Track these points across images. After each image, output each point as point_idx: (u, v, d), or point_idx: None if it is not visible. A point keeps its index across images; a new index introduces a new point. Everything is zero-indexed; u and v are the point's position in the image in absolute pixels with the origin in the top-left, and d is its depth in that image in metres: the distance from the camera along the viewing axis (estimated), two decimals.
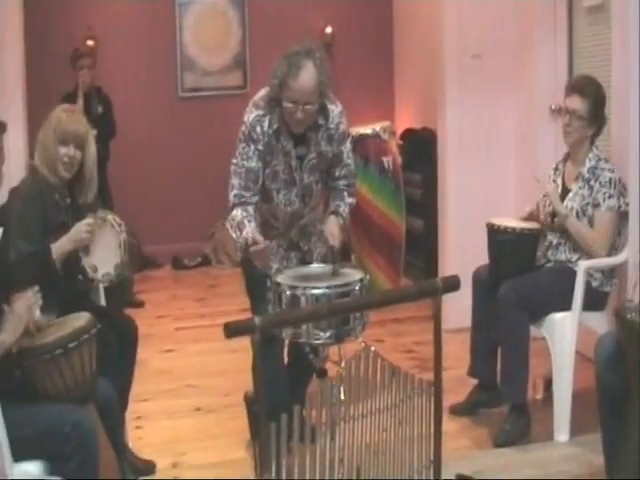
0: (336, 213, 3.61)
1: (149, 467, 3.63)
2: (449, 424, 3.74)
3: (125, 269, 3.58)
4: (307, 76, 3.32)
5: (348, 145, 3.64)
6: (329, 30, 7.92)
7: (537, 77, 5.19)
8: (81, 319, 2.96)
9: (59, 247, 3.39)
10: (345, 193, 3.67)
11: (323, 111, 3.50)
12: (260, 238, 3.24)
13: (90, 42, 7.41)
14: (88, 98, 6.40)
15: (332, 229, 3.53)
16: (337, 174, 3.65)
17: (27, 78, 5.45)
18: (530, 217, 4.08)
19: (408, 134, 7.06)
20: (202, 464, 3.72)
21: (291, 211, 3.59)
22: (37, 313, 2.83)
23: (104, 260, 3.48)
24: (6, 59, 5.19)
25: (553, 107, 5.03)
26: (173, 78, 7.85)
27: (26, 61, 5.43)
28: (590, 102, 3.88)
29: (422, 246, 6.40)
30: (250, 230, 3.28)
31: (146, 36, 7.72)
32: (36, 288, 2.82)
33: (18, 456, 2.62)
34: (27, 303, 2.77)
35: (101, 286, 3.79)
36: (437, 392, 2.68)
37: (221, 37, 7.92)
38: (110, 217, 3.50)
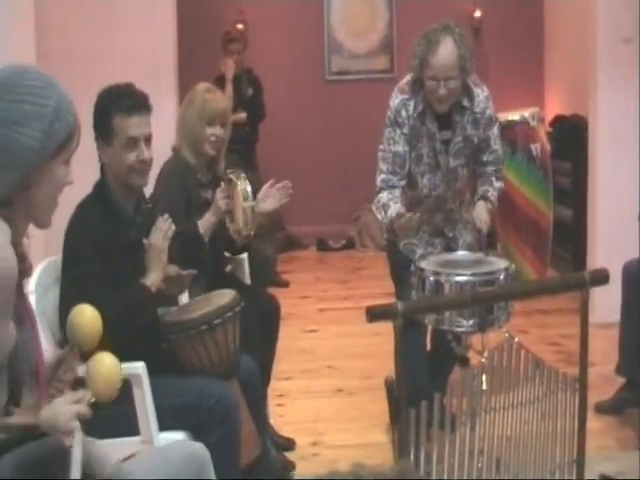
0: (485, 198, 3.57)
1: (289, 444, 3.70)
2: (593, 422, 3.62)
3: (258, 216, 3.62)
4: (446, 50, 3.31)
5: (495, 130, 3.60)
6: (478, 14, 7.79)
7: None
8: (226, 296, 3.03)
9: (204, 222, 3.48)
10: (493, 178, 3.63)
11: (467, 93, 3.47)
12: (405, 212, 3.23)
13: (240, 25, 7.56)
14: (238, 80, 6.51)
15: (480, 213, 3.50)
16: (484, 159, 3.61)
17: (179, 61, 5.59)
18: None
19: (558, 121, 6.87)
20: (341, 445, 3.76)
21: (435, 195, 3.57)
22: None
23: (240, 221, 3.57)
24: (159, 42, 5.34)
25: None
26: (320, 61, 7.91)
27: (179, 44, 5.58)
28: None
29: (570, 237, 6.23)
30: (395, 209, 3.29)
31: (295, 19, 7.81)
32: (166, 216, 2.89)
33: (162, 426, 2.71)
34: (161, 234, 2.84)
35: (246, 264, 3.88)
36: (582, 388, 2.61)
37: (368, 20, 7.91)
38: (233, 177, 3.58)
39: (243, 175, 3.59)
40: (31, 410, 2.67)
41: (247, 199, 3.53)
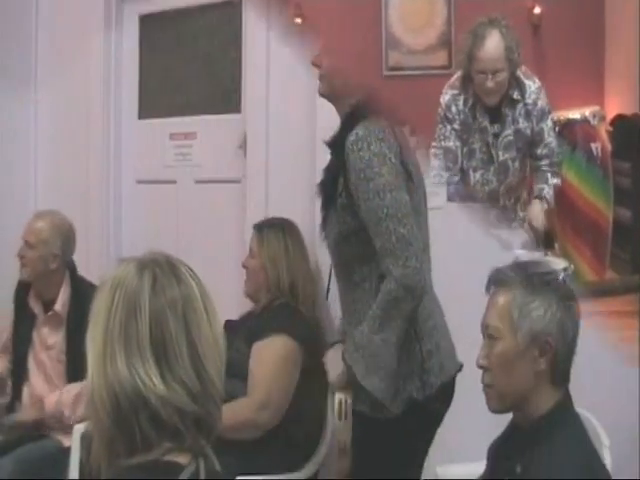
0: (540, 197, 3.54)
1: None
2: None
3: None
4: (492, 44, 3.34)
5: (549, 123, 3.59)
6: (537, 11, 7.66)
7: None
8: None
9: None
10: (548, 174, 3.60)
11: (518, 85, 3.47)
12: None
13: (298, 20, 7.55)
14: None
15: (536, 212, 3.47)
16: (539, 153, 3.60)
17: None
18: None
19: (618, 120, 6.75)
20: None
21: (488, 190, 3.55)
22: None
23: None
24: None
25: None
26: (378, 56, 7.86)
27: None
28: None
29: (629, 238, 6.10)
30: None
31: (352, 14, 7.77)
32: None
33: None
34: None
35: None
36: None
37: (426, 16, 7.83)
38: None
39: None
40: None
41: None
